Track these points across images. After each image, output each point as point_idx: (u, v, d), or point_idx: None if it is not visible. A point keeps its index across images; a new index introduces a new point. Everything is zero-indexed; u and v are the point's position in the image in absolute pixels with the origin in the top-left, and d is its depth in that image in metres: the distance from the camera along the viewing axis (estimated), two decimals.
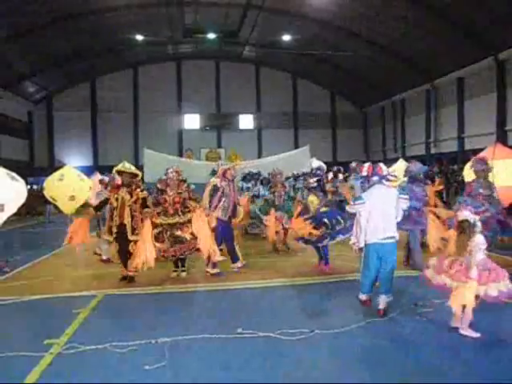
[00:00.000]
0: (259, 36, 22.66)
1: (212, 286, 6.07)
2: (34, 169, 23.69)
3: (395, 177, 5.13)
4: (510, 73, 16.67)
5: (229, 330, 4.24)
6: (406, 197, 4.95)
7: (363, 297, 4.95)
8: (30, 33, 17.68)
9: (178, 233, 6.17)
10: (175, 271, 6.58)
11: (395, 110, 25.03)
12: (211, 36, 21.62)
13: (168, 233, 6.17)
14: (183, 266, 6.63)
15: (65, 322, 4.57)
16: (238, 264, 6.81)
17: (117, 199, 6.21)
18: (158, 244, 6.04)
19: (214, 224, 6.46)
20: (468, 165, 7.18)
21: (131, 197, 6.23)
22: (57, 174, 10.26)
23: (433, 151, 21.55)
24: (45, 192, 10.27)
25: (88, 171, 12.50)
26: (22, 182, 7.33)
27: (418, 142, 22.66)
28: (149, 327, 4.45)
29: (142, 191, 6.39)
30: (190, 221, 6.24)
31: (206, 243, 6.15)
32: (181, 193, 6.38)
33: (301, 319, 4.60)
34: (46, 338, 4.12)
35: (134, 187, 6.32)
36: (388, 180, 4.85)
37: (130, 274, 6.23)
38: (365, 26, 18.36)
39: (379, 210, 4.66)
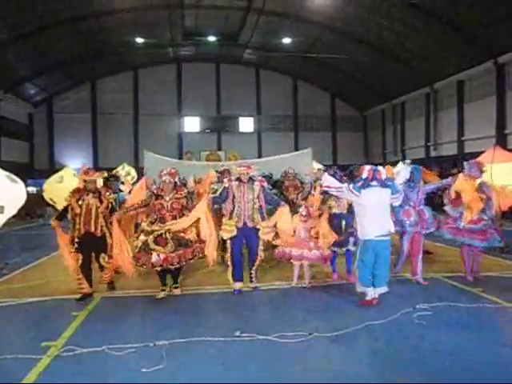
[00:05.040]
0: (259, 39, 22.66)
1: (209, 289, 6.06)
2: (35, 171, 23.68)
3: (392, 181, 5.38)
4: (509, 76, 16.68)
5: (227, 332, 4.23)
6: (397, 196, 5.23)
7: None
8: (30, 35, 17.70)
9: (181, 234, 5.50)
10: (163, 290, 5.68)
11: (395, 113, 25.01)
12: (211, 39, 21.66)
13: (170, 234, 5.45)
14: (176, 281, 5.84)
15: (62, 325, 4.57)
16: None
17: (80, 206, 5.53)
18: (158, 247, 5.36)
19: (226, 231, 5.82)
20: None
21: (101, 203, 5.63)
22: (56, 176, 10.26)
23: (432, 154, 21.52)
24: (44, 194, 10.26)
25: None
26: (21, 183, 7.33)
27: (418, 145, 22.67)
28: (146, 330, 4.45)
29: (110, 194, 5.90)
30: (192, 225, 5.60)
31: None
32: (179, 198, 5.66)
33: (299, 322, 4.59)
34: (44, 340, 4.12)
35: (103, 192, 5.78)
36: (386, 186, 5.13)
37: (107, 280, 5.91)
38: (365, 30, 18.38)
39: (375, 207, 4.99)
